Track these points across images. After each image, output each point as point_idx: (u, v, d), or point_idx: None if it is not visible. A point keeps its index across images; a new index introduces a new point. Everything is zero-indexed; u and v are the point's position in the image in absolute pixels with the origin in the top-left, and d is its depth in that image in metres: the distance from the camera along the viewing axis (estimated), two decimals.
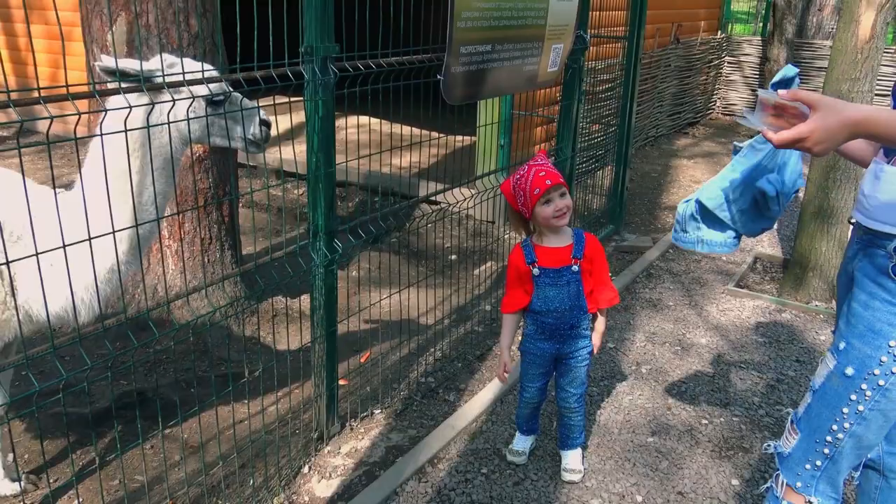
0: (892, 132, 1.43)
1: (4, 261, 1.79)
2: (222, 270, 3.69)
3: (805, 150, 1.49)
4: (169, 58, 2.19)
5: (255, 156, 6.93)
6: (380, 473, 2.65)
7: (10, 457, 2.69)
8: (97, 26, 3.37)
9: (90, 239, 1.87)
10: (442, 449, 2.80)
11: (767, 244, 5.29)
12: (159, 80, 1.99)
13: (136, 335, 3.39)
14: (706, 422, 3.08)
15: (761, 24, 11.72)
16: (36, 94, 1.59)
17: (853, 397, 1.74)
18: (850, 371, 1.74)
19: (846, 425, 1.77)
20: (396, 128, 6.33)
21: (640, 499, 2.59)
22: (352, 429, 2.92)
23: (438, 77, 2.89)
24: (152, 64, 2.15)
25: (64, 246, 1.81)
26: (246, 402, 3.04)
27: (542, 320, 2.54)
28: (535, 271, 2.50)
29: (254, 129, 2.23)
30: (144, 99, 2.02)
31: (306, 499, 2.56)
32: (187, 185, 3.47)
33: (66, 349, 3.31)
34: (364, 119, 4.79)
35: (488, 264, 4.89)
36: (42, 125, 1.62)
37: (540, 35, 3.48)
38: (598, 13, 5.58)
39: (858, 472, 2.10)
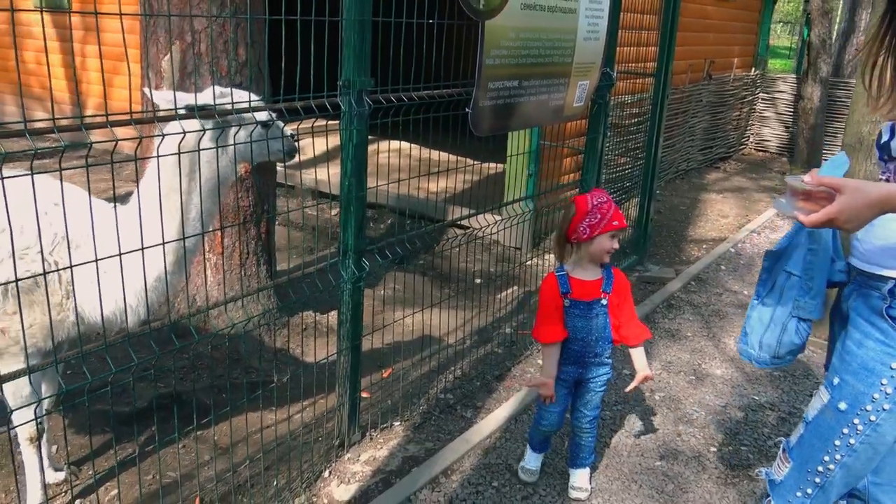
0: None
1: (65, 266, 2.01)
2: (257, 284, 3.89)
3: (837, 228, 1.57)
4: (220, 89, 2.41)
5: (293, 177, 7.20)
6: (395, 481, 2.80)
7: (55, 448, 2.90)
8: (153, 53, 3.63)
9: (142, 249, 2.08)
10: (456, 461, 2.94)
11: None
12: (213, 108, 2.20)
13: (174, 340, 3.61)
14: (714, 449, 3.17)
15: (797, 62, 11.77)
16: (102, 119, 1.81)
17: (845, 431, 1.82)
18: (843, 406, 1.83)
19: (837, 457, 1.85)
20: (430, 153, 6.56)
21: None
22: (371, 438, 3.08)
23: (467, 110, 3.09)
24: (205, 95, 2.37)
25: (120, 255, 2.02)
26: (274, 408, 3.23)
27: (569, 347, 2.64)
28: (566, 302, 2.59)
29: (285, 146, 2.43)
30: (197, 126, 2.24)
31: (325, 501, 2.71)
32: (229, 202, 3.69)
33: (110, 351, 3.53)
34: (398, 144, 5.00)
35: (512, 289, 5.04)
36: (104, 144, 1.83)
37: (566, 72, 3.66)
38: (628, 49, 5.76)
39: (844, 502, 2.18)
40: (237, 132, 2.26)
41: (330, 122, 2.52)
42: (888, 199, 1.52)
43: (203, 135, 2.18)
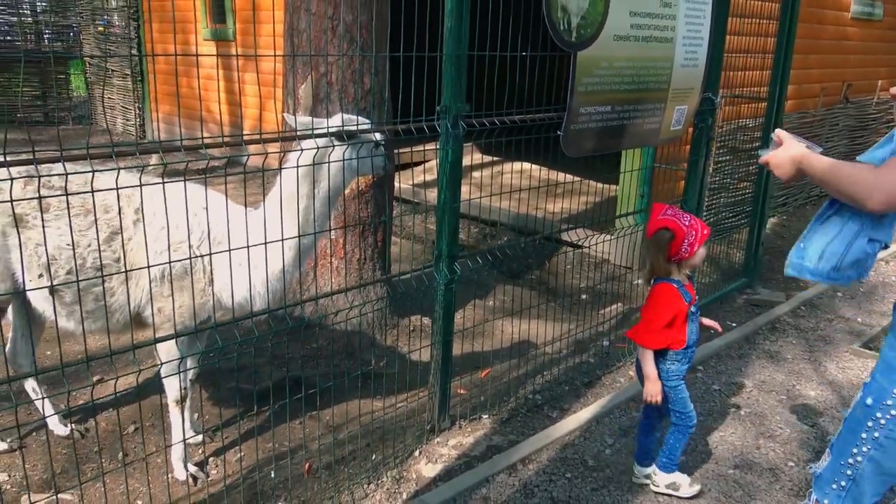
0: (815, 175, 1.90)
1: (207, 256, 2.50)
2: (373, 287, 4.35)
3: (770, 171, 2.06)
4: (347, 117, 2.87)
5: (419, 194, 7.71)
6: (477, 465, 3.11)
7: (196, 416, 3.45)
8: (292, 82, 4.20)
9: (265, 243, 2.54)
10: (534, 452, 3.21)
11: None
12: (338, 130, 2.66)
13: (299, 332, 4.12)
14: (792, 464, 3.24)
15: None
16: (246, 137, 2.28)
17: (870, 424, 1.99)
18: (869, 401, 2.00)
19: (864, 449, 2.01)
20: (553, 174, 6.86)
21: None
22: (460, 427, 3.41)
23: (559, 133, 3.38)
24: (334, 119, 2.84)
25: (248, 246, 2.49)
26: (380, 396, 3.64)
27: (691, 352, 2.88)
28: (693, 309, 2.84)
29: (379, 160, 2.84)
30: (314, 144, 2.70)
31: (414, 476, 3.07)
32: (350, 212, 4.18)
33: (243, 337, 4.08)
34: (520, 165, 5.35)
35: (616, 305, 5.21)
36: (247, 159, 2.32)
37: (662, 97, 3.86)
38: (749, 73, 5.80)
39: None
40: (346, 150, 2.70)
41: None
42: (801, 160, 1.96)
43: (325, 151, 2.63)
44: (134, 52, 11.45)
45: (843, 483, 2.08)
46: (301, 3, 4.08)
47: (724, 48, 4.41)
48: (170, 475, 3.08)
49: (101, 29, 12.50)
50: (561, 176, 4.18)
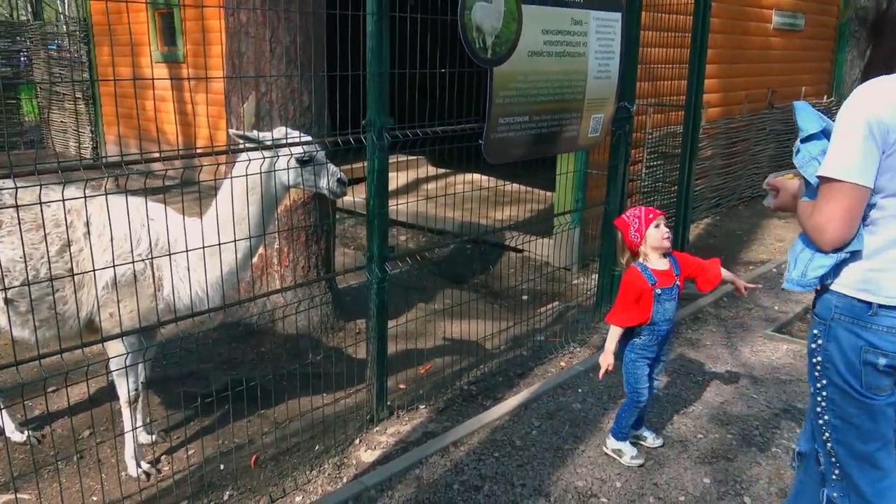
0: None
1: (155, 263, 2.73)
2: (319, 292, 4.59)
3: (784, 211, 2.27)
4: (281, 129, 3.14)
5: (363, 205, 7.97)
6: (413, 449, 3.36)
7: (148, 419, 3.65)
8: (235, 101, 4.44)
9: (203, 248, 2.78)
10: (466, 436, 3.48)
11: None
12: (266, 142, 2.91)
13: (248, 338, 4.34)
14: (701, 436, 3.55)
15: None
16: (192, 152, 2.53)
17: (818, 410, 2.11)
18: (811, 387, 2.14)
19: (828, 435, 2.09)
20: (502, 185, 7.19)
21: (618, 485, 3.14)
22: (399, 417, 3.66)
23: (480, 142, 3.68)
24: (274, 133, 3.10)
25: (187, 251, 2.72)
26: (324, 393, 3.87)
27: (660, 329, 3.17)
28: (658, 291, 3.12)
29: (332, 184, 3.10)
30: (256, 155, 2.95)
31: (354, 462, 3.31)
32: (294, 223, 4.42)
33: (191, 345, 4.29)
34: (473, 176, 5.64)
35: (553, 304, 5.52)
36: (199, 176, 2.57)
37: (578, 107, 4.19)
38: (670, 83, 6.20)
39: (796, 462, 2.37)
40: (276, 162, 2.95)
41: (401, 158, 3.20)
42: (797, 194, 2.13)
43: (255, 163, 2.88)
44: (85, 76, 11.55)
45: (836, 472, 2.11)
46: (241, 27, 4.34)
47: (638, 60, 4.77)
48: (123, 473, 3.28)
49: (51, 53, 12.56)
50: (508, 185, 4.50)
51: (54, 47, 12.80)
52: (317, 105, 4.45)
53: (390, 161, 3.30)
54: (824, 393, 2.07)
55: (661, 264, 3.14)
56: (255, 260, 4.48)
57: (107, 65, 10.84)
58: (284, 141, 2.95)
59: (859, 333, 1.95)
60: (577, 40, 4.03)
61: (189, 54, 9.52)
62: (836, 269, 1.98)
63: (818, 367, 2.07)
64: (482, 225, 6.80)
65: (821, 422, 2.11)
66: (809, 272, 1.98)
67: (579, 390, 4.02)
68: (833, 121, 2.00)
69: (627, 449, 3.32)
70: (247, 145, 2.89)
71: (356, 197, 8.18)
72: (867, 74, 1.99)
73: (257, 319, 4.42)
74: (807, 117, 2.05)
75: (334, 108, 3.64)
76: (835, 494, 2.14)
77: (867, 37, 2.11)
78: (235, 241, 2.95)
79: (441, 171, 9.67)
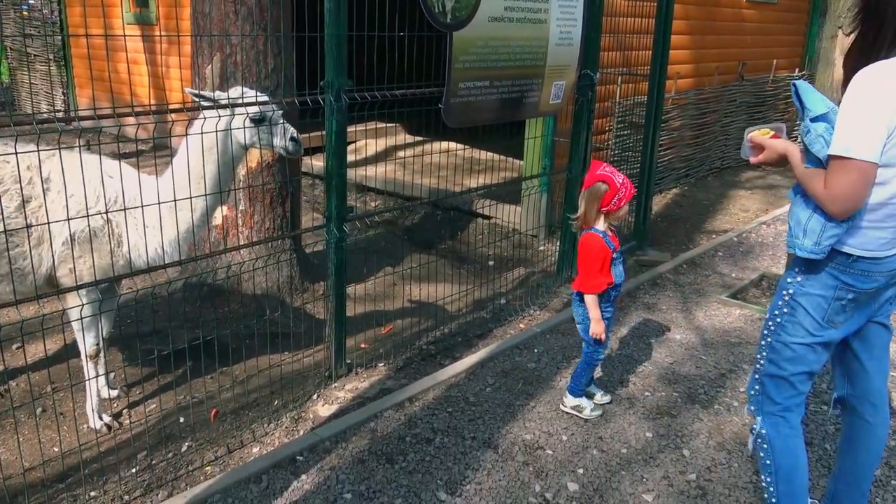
0: (793, 165, 2.28)
1: (113, 219, 2.78)
2: (283, 252, 4.65)
3: (768, 166, 2.45)
4: (238, 89, 3.17)
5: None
6: (368, 404, 3.47)
7: (112, 374, 3.72)
8: (200, 63, 4.45)
9: (176, 201, 2.84)
10: (421, 392, 3.59)
11: (783, 265, 5.71)
12: (224, 103, 2.95)
13: (213, 298, 4.40)
14: (648, 394, 3.69)
15: None
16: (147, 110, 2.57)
17: (765, 332, 2.47)
18: (766, 315, 2.48)
19: (763, 354, 2.48)
20: (477, 153, 7.28)
21: (564, 438, 3.27)
22: (357, 374, 3.77)
23: (439, 105, 3.74)
24: (231, 92, 3.14)
25: (142, 206, 2.78)
26: (286, 352, 3.96)
27: (617, 290, 3.36)
28: (615, 255, 3.28)
29: (285, 142, 3.15)
30: (212, 114, 3.00)
31: (311, 416, 3.42)
32: (258, 184, 4.46)
33: (157, 303, 4.35)
34: (448, 145, 5.70)
35: (518, 269, 5.62)
36: (171, 133, 2.63)
37: (539, 73, 4.25)
38: (639, 53, 6.25)
39: (837, 409, 2.66)
40: (233, 121, 3.00)
41: (380, 125, 3.24)
42: (786, 152, 2.31)
43: (211, 122, 2.93)
44: (58, 37, 11.39)
45: (756, 388, 2.53)
46: None
47: (602, 28, 4.82)
48: (84, 426, 3.36)
49: (23, 13, 12.33)
50: (483, 154, 4.57)
51: (26, 8, 12.58)
52: (283, 67, 4.46)
53: (365, 129, 3.35)
54: (778, 320, 2.39)
55: (610, 228, 3.28)
56: (217, 220, 4.53)
57: (79, 26, 10.69)
58: (240, 100, 2.99)
59: (837, 276, 2.26)
60: (539, 6, 4.07)
61: (161, 16, 9.41)
62: None
63: (786, 297, 2.37)
64: (453, 192, 6.87)
65: (763, 342, 2.46)
66: (824, 241, 2.19)
67: (535, 350, 4.14)
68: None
69: (586, 403, 3.46)
70: (203, 104, 2.93)
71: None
72: (867, 56, 2.12)
73: (222, 278, 4.48)
74: (812, 97, 2.21)
75: (303, 70, 3.68)
76: (752, 408, 2.55)
77: (866, 17, 2.20)
78: (191, 198, 3.00)
79: (416, 139, 9.71)
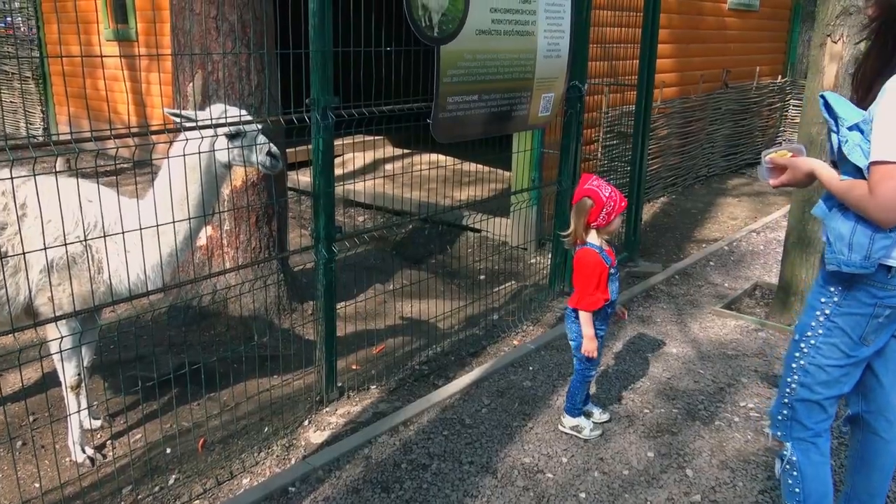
0: (824, 180, 2.20)
1: (94, 245, 2.67)
2: (270, 274, 4.54)
3: (793, 187, 2.37)
4: (219, 106, 3.08)
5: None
6: (361, 429, 3.37)
7: (96, 404, 3.59)
8: (181, 80, 4.35)
9: (139, 230, 2.73)
10: (416, 415, 3.49)
11: (775, 273, 5.68)
12: (201, 122, 2.86)
13: (199, 321, 4.28)
14: (647, 411, 3.62)
15: None
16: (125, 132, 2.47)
17: (797, 355, 2.37)
18: (796, 336, 2.38)
19: (795, 377, 2.37)
20: (466, 165, 7.22)
21: (564, 460, 3.18)
22: (349, 398, 3.66)
23: (428, 121, 3.66)
24: (210, 111, 3.05)
25: (122, 232, 2.67)
26: (275, 375, 3.85)
27: (612, 307, 3.27)
28: (612, 270, 3.19)
29: (262, 157, 3.05)
30: (193, 134, 2.90)
31: (303, 443, 3.31)
32: (243, 203, 4.36)
33: (142, 329, 4.23)
34: (436, 157, 5.62)
35: (510, 283, 5.54)
36: (155, 157, 2.54)
37: (527, 86, 4.19)
38: (625, 63, 6.22)
39: (847, 427, 2.61)
40: (213, 140, 2.91)
41: (367, 138, 3.13)
42: (813, 171, 2.24)
43: (192, 142, 2.83)
44: (35, 54, 11.24)
45: (784, 412, 2.42)
46: (185, 3, 4.24)
47: (589, 39, 4.77)
48: (67, 459, 3.23)
49: (0, 31, 12.18)
50: (471, 166, 4.49)
51: (3, 25, 12.42)
52: (267, 84, 4.37)
53: (352, 142, 3.27)
54: (812, 341, 2.30)
55: (605, 243, 3.19)
56: (202, 240, 4.43)
57: (56, 43, 10.55)
58: (220, 118, 2.90)
59: (875, 293, 2.18)
60: (526, 19, 4.02)
61: (141, 32, 9.28)
62: None
63: (820, 317, 2.28)
64: (441, 205, 6.79)
65: (794, 365, 2.36)
66: (874, 254, 2.11)
67: (530, 368, 4.05)
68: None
69: (585, 423, 3.38)
70: (185, 124, 2.84)
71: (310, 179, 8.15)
72: (890, 63, 2.10)
73: (209, 301, 4.37)
74: (845, 107, 2.16)
75: (289, 86, 3.59)
76: (779, 433, 2.45)
77: (886, 25, 2.14)
78: (174, 222, 2.90)
79: (403, 151, 9.63)
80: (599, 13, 6.17)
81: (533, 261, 6.15)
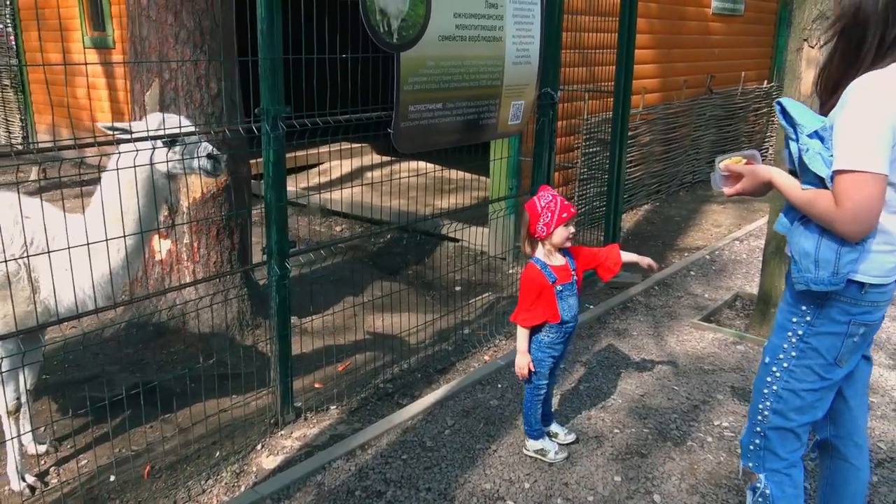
0: (783, 190, 2.08)
1: (30, 264, 2.52)
2: (234, 289, 4.39)
3: (747, 196, 2.24)
4: (157, 115, 2.94)
5: (304, 197, 7.75)
6: (316, 454, 3.22)
7: (42, 428, 3.44)
8: (137, 90, 4.21)
9: (73, 247, 2.58)
10: (375, 438, 3.34)
11: (756, 283, 5.55)
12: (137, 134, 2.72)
13: (157, 339, 4.13)
14: (617, 431, 3.47)
15: None
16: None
17: (769, 380, 2.22)
18: (766, 359, 2.23)
19: (768, 404, 2.23)
20: (448, 173, 7.10)
21: (527, 486, 3.04)
22: (307, 419, 3.51)
23: (389, 130, 3.52)
24: (147, 122, 2.91)
25: (68, 248, 2.52)
26: (235, 395, 3.70)
27: (567, 327, 3.07)
28: (559, 288, 3.01)
29: (202, 162, 2.91)
30: (129, 147, 2.76)
31: (254, 469, 3.16)
32: (203, 216, 4.21)
33: (97, 346, 4.08)
34: (417, 164, 5.51)
35: (485, 294, 5.40)
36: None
37: (496, 93, 4.06)
38: (605, 69, 6.10)
39: (815, 453, 2.49)
40: (152, 150, 2.76)
41: (345, 146, 2.99)
42: (772, 179, 2.13)
43: (129, 155, 2.69)
44: (14, 61, 11.09)
45: (756, 441, 2.27)
46: (141, 10, 4.10)
47: (561, 45, 4.65)
48: (6, 488, 3.07)
49: None
50: (454, 174, 4.35)
51: None
52: (228, 92, 4.23)
53: (333, 150, 3.13)
54: (785, 364, 2.16)
55: (558, 259, 3.03)
56: (160, 255, 4.27)
57: (36, 50, 10.40)
58: (156, 129, 2.76)
59: (850, 310, 2.06)
60: (493, 24, 3.89)
61: (118, 39, 9.13)
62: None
63: (792, 339, 2.15)
64: (420, 215, 6.66)
65: (766, 390, 2.22)
66: (841, 269, 1.99)
67: (499, 385, 3.91)
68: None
69: (550, 445, 3.23)
70: (120, 136, 2.70)
71: (290, 186, 8.01)
72: (854, 67, 1.98)
73: (166, 317, 4.22)
74: (804, 114, 2.04)
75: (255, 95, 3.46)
76: (750, 464, 2.31)
77: (848, 28, 2.02)
78: (105, 240, 2.75)
79: (388, 159, 9.50)
80: (578, 18, 6.06)
81: (511, 271, 6.02)
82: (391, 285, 5.44)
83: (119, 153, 2.61)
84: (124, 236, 2.82)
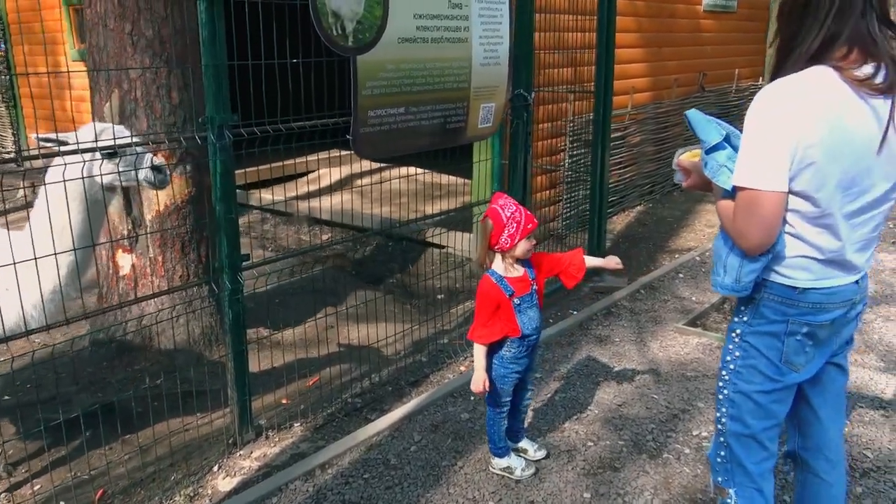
0: (714, 194, 2.00)
1: None
2: (200, 304, 4.28)
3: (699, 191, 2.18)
4: (100, 125, 2.84)
5: (290, 205, 7.66)
6: (275, 475, 3.09)
7: None
8: (97, 100, 4.11)
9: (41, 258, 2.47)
10: (336, 456, 3.22)
11: None
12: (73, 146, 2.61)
13: (121, 356, 4.02)
14: (591, 443, 3.33)
15: None
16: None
17: (721, 385, 2.14)
18: (720, 365, 2.15)
19: (724, 411, 2.14)
20: (437, 178, 6.96)
21: None
22: (268, 438, 3.39)
23: (348, 137, 3.40)
24: (85, 132, 2.81)
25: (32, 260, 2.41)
26: (199, 413, 3.58)
27: (530, 339, 2.92)
28: (516, 301, 2.84)
29: (144, 174, 2.81)
30: (69, 159, 2.66)
31: (209, 492, 3.04)
32: (166, 228, 4.11)
33: (59, 366, 3.96)
34: (407, 170, 5.38)
35: (466, 303, 5.27)
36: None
37: (463, 96, 3.93)
38: (589, 68, 5.97)
39: (787, 466, 2.37)
40: (91, 162, 2.65)
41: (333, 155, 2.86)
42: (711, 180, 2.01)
43: (68, 167, 2.58)
44: (5, 76, 11.07)
45: (722, 453, 2.17)
46: (99, 19, 4.00)
47: (534, 45, 4.52)
48: None
49: None
50: (443, 178, 4.23)
51: None
52: (190, 101, 4.12)
53: (321, 157, 3.01)
54: (732, 366, 2.10)
55: (516, 271, 2.88)
56: (125, 269, 4.17)
57: (24, 64, 10.36)
58: (90, 140, 2.65)
59: (785, 311, 1.99)
60: (458, 25, 3.77)
61: None
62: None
63: (735, 339, 2.09)
64: (404, 222, 6.54)
65: (721, 396, 2.14)
66: (743, 278, 1.96)
67: (471, 398, 3.77)
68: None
69: (516, 463, 3.09)
70: (60, 148, 2.59)
71: (276, 195, 7.90)
72: (781, 67, 1.87)
73: (127, 333, 4.10)
74: (704, 128, 1.97)
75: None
76: (720, 479, 2.19)
77: (782, 24, 1.92)
78: (36, 258, 2.64)
79: (379, 166, 9.36)
80: (561, 18, 5.93)
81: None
82: (371, 294, 5.33)
83: (45, 168, 2.50)
84: (55, 254, 2.70)
